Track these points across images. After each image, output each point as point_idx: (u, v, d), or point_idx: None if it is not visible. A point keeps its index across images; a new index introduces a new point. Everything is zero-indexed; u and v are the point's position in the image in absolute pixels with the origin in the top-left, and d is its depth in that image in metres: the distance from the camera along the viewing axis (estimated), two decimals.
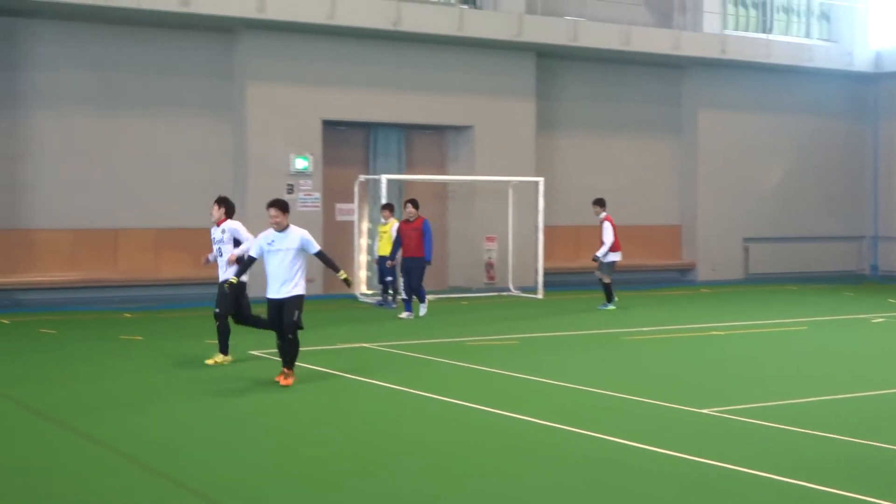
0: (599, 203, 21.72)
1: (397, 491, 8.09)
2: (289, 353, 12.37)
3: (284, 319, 12.23)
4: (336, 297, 23.08)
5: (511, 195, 24.74)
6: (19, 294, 21.29)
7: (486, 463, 8.91)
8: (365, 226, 24.28)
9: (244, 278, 13.54)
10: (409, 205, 19.72)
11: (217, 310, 13.83)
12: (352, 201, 23.71)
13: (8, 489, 8.05)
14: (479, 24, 24.43)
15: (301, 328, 12.36)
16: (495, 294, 24.39)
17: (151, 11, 21.23)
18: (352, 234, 23.79)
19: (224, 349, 13.98)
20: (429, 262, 19.54)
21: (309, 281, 22.66)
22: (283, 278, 12.27)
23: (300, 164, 23.17)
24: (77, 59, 21.74)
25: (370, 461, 8.95)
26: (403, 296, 19.83)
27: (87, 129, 21.90)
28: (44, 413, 10.84)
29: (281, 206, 12.35)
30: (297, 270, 12.32)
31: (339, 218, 24.16)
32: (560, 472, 8.61)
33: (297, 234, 12.36)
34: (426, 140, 25.87)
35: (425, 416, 10.91)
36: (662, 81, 28.38)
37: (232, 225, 14.00)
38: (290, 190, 23.01)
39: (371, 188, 23.93)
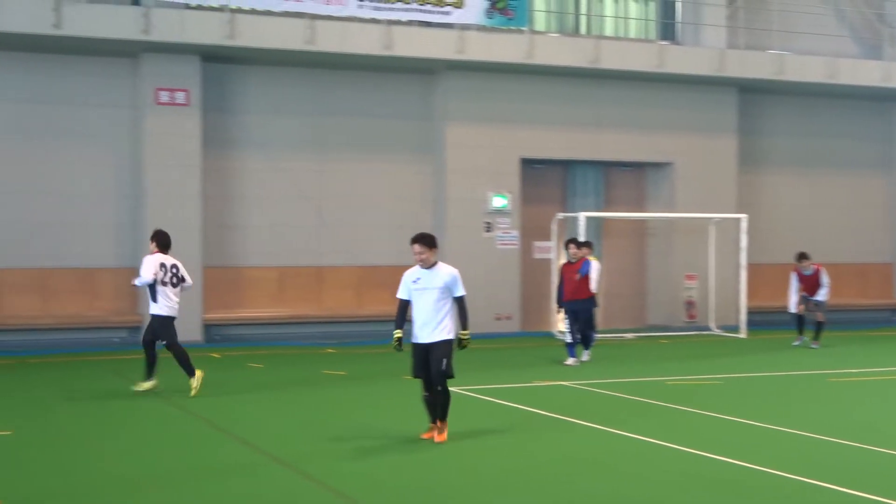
0: (805, 256, 21.16)
1: None
2: (439, 405, 11.26)
3: (432, 368, 11.11)
4: (533, 335, 23.08)
5: (712, 232, 24.27)
6: (229, 329, 22.11)
7: None
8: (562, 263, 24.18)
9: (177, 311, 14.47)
10: (572, 245, 18.33)
11: (164, 342, 14.42)
12: (549, 239, 23.71)
13: None
14: (679, 60, 24.16)
15: (451, 377, 11.19)
16: (695, 333, 23.92)
17: (356, 55, 21.84)
18: (549, 271, 23.76)
19: (149, 376, 14.52)
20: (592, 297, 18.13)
21: (506, 318, 23.01)
22: (429, 321, 11.10)
23: (498, 202, 23.34)
24: (284, 103, 22.54)
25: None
26: (568, 339, 18.20)
27: (294, 170, 22.63)
28: (268, 452, 11.16)
29: (426, 241, 11.16)
30: (445, 313, 11.11)
31: (537, 256, 24.18)
32: None
33: (446, 273, 11.17)
34: (625, 177, 25.67)
35: (625, 456, 10.72)
36: (872, 115, 27.41)
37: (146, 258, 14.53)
38: (489, 228, 23.19)
39: (569, 226, 23.87)
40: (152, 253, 14.48)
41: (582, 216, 22.23)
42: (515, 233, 23.60)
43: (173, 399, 14.12)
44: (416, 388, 11.70)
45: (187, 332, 21.14)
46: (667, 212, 24.82)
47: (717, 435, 11.75)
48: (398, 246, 23.23)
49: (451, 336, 11.15)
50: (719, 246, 24.34)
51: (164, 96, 21.15)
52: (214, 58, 21.64)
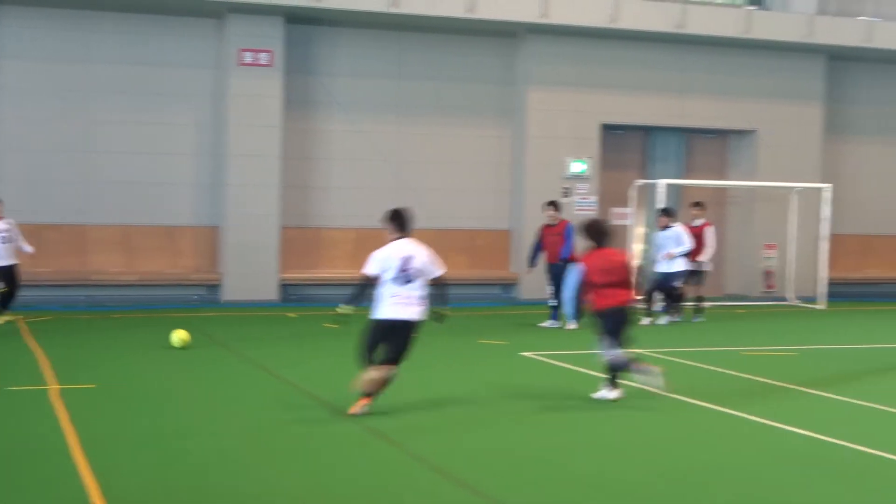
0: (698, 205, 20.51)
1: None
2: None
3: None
4: None
5: (794, 202, 23.92)
6: (306, 289, 22.35)
7: (784, 480, 8.69)
8: (640, 231, 24.03)
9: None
10: (550, 207, 18.35)
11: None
12: (628, 206, 23.56)
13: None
14: (767, 26, 23.75)
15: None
16: (773, 303, 23.65)
17: (439, 18, 21.80)
18: (627, 238, 23.62)
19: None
20: (564, 260, 17.83)
21: None
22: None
23: (577, 167, 23.25)
24: (366, 66, 22.58)
25: (661, 477, 8.90)
26: (552, 302, 18.21)
27: (374, 132, 22.70)
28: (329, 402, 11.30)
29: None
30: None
31: (615, 222, 24.02)
32: (845, 489, 8.28)
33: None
34: (707, 145, 25.39)
35: (701, 428, 10.69)
36: None
37: None
38: (567, 193, 23.11)
39: (648, 193, 23.70)
40: None
41: (662, 183, 22.05)
42: (594, 198, 23.49)
43: (245, 354, 14.39)
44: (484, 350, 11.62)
45: (263, 291, 21.53)
46: (748, 180, 24.52)
47: (788, 406, 11.63)
48: (476, 209, 23.33)
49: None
50: (801, 215, 23.99)
51: (248, 57, 21.34)
52: (298, 19, 21.76)
